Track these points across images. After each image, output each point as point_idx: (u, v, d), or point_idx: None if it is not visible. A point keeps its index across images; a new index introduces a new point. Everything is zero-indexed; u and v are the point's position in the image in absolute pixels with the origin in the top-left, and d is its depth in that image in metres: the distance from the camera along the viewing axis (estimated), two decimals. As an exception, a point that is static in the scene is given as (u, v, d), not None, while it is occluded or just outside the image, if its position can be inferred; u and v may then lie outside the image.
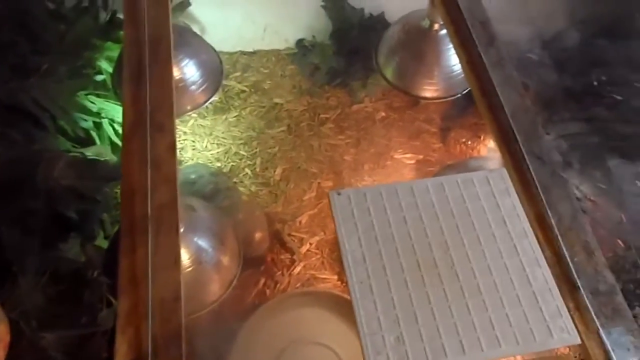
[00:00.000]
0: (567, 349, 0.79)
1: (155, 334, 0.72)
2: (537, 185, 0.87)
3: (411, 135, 1.69)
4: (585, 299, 0.77)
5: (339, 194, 0.88)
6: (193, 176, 1.48)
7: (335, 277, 1.43)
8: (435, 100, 1.39)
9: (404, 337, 0.75)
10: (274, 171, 1.61)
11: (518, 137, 0.91)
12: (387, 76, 1.38)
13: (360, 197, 0.88)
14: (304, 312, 1.29)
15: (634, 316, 0.77)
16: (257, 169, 1.62)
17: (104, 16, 1.50)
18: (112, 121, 1.43)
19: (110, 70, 1.44)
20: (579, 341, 0.75)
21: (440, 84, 1.34)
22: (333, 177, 1.61)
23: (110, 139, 1.43)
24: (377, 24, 1.72)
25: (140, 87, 0.95)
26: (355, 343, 0.75)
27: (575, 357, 0.76)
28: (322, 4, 1.72)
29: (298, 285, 1.42)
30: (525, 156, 0.89)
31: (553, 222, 0.84)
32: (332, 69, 1.76)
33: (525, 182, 0.88)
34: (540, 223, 0.85)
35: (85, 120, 1.39)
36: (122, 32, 1.08)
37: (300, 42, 1.83)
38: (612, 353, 0.72)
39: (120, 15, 1.28)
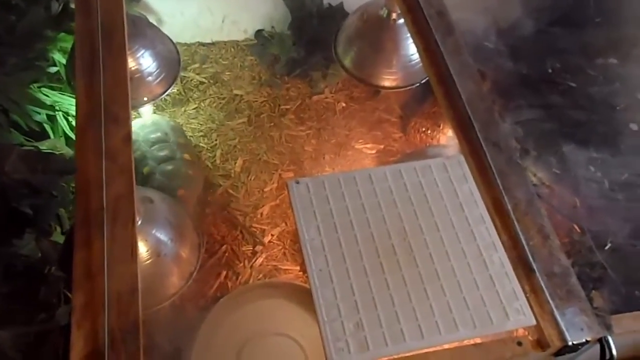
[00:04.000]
0: (524, 330, 0.81)
1: (112, 327, 0.71)
2: (494, 171, 0.88)
3: (372, 125, 1.70)
4: (540, 281, 0.78)
5: (297, 182, 0.88)
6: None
7: (298, 267, 1.43)
8: (394, 90, 1.40)
9: (363, 323, 0.75)
10: (235, 163, 1.60)
11: (475, 124, 0.92)
12: (346, 66, 1.38)
13: (319, 186, 0.88)
14: (266, 304, 1.29)
15: (588, 297, 0.79)
16: (217, 161, 1.60)
17: (56, 6, 1.46)
18: (66, 114, 1.39)
19: (64, 61, 1.41)
20: (534, 322, 0.76)
21: (399, 73, 1.34)
22: (294, 168, 1.60)
23: (64, 132, 1.39)
24: (336, 13, 1.72)
25: (94, 78, 0.93)
26: (318, 333, 0.76)
27: (532, 337, 0.77)
28: (281, -6, 1.71)
29: (260, 276, 1.42)
30: (482, 143, 0.91)
31: (509, 207, 0.85)
32: (291, 60, 1.75)
33: (482, 168, 0.89)
34: (497, 208, 0.86)
35: (39, 113, 1.35)
36: (74, 23, 1.06)
37: (259, 33, 1.82)
38: (566, 333, 0.74)
39: (73, 5, 1.25)
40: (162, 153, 1.48)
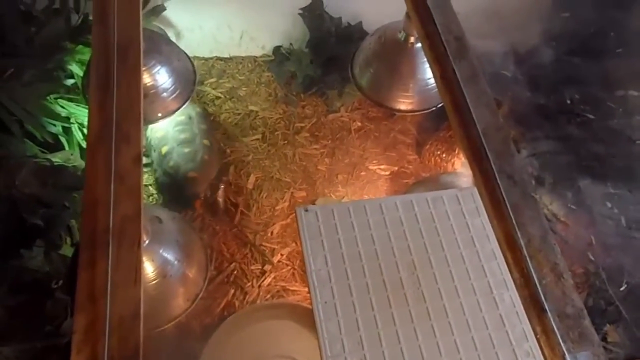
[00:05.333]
0: (533, 372, 0.78)
1: (112, 353, 0.70)
2: (507, 205, 0.86)
3: (386, 147, 1.68)
4: (552, 322, 0.76)
5: (306, 210, 0.87)
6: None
7: (306, 289, 1.41)
8: (409, 114, 1.38)
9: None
10: (247, 179, 1.59)
11: (489, 155, 0.90)
12: (362, 87, 1.37)
13: (328, 214, 0.87)
14: (273, 324, 1.27)
15: (603, 334, 0.77)
16: (231, 177, 1.59)
17: (75, 18, 1.47)
18: (81, 126, 1.40)
19: (81, 74, 1.41)
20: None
21: (415, 97, 1.33)
22: (306, 187, 1.59)
23: (79, 144, 1.40)
24: (354, 33, 1.71)
25: (107, 95, 0.93)
26: None
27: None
28: (300, 11, 1.70)
29: (268, 296, 1.40)
30: (496, 175, 0.88)
31: (522, 243, 0.82)
32: (308, 77, 1.74)
33: (496, 201, 0.87)
34: (510, 244, 0.84)
35: (54, 125, 1.36)
36: (91, 36, 1.06)
37: (277, 50, 1.82)
38: (577, 378, 0.72)
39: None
40: (183, 135, 1.53)
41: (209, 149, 1.55)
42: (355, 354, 0.74)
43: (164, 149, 1.51)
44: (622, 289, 1.14)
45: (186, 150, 1.51)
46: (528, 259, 0.81)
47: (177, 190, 1.50)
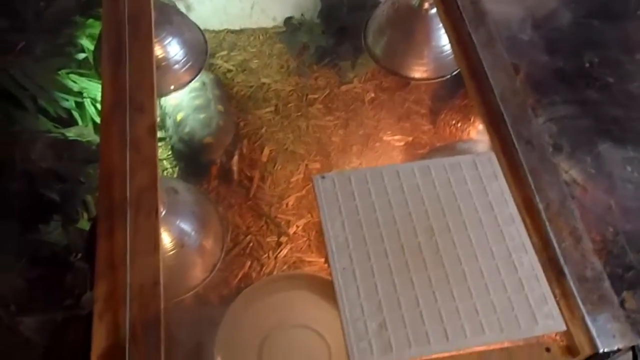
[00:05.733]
0: (553, 335, 0.78)
1: (133, 319, 0.71)
2: (526, 169, 0.85)
3: (401, 117, 1.67)
4: (572, 285, 0.76)
5: (323, 177, 0.86)
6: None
7: (322, 259, 1.42)
8: (425, 81, 1.37)
9: (387, 323, 0.74)
10: (261, 152, 1.59)
11: (507, 120, 0.90)
12: (376, 56, 1.36)
13: (345, 181, 0.86)
14: (289, 295, 1.28)
15: (620, 301, 0.76)
16: (244, 150, 1.59)
17: (85, -8, 1.47)
18: (94, 101, 1.40)
19: (92, 48, 1.41)
20: (564, 328, 0.74)
21: (430, 65, 1.31)
22: (321, 159, 1.58)
23: (92, 119, 1.40)
24: (366, 2, 1.68)
25: (120, 67, 0.92)
26: (341, 327, 0.74)
27: (561, 343, 0.75)
28: (311, -19, 1.69)
29: (284, 268, 1.41)
30: (514, 140, 0.88)
31: (541, 207, 0.82)
32: (320, 48, 1.73)
33: (514, 166, 0.87)
34: (528, 208, 0.83)
35: (67, 100, 1.36)
36: (102, 9, 1.05)
37: (288, 21, 1.80)
38: (597, 340, 0.72)
39: (102, -9, 1.25)
40: (197, 102, 1.53)
41: (224, 114, 1.56)
42: (374, 317, 0.74)
43: (179, 116, 1.52)
44: (641, 251, 1.14)
45: (201, 116, 1.51)
46: (547, 223, 0.81)
47: (193, 156, 1.52)
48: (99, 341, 0.69)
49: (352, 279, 0.78)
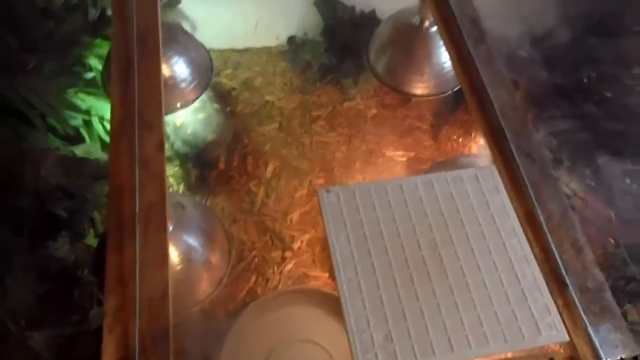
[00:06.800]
0: (556, 346, 0.79)
1: (142, 332, 0.71)
2: (527, 182, 0.86)
3: (403, 133, 1.69)
4: (574, 296, 0.77)
5: (327, 191, 0.88)
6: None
7: (327, 274, 1.43)
8: (426, 98, 1.39)
9: (393, 335, 0.75)
10: (265, 168, 1.61)
11: (507, 134, 0.91)
12: (378, 73, 1.38)
13: (349, 195, 0.88)
14: (294, 310, 1.29)
15: (623, 313, 0.77)
16: (249, 167, 1.61)
17: (93, 13, 1.49)
18: (102, 119, 1.42)
19: (100, 67, 1.43)
20: (567, 338, 0.75)
21: (431, 81, 1.33)
22: (324, 174, 1.60)
23: (100, 136, 1.42)
24: (368, 21, 1.72)
25: (129, 85, 0.94)
26: (346, 341, 0.75)
27: (564, 353, 0.76)
28: (314, 0, 1.71)
29: (289, 282, 1.42)
30: (515, 153, 0.89)
31: (542, 219, 0.83)
32: (323, 66, 1.75)
33: (515, 179, 0.88)
34: (530, 220, 0.85)
35: (75, 118, 1.38)
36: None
37: (291, 39, 1.83)
38: (600, 350, 0.72)
39: (110, 12, 1.28)
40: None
41: (221, 112, 1.62)
42: (380, 329, 0.75)
43: (178, 121, 1.56)
44: (642, 262, 1.15)
45: (200, 116, 1.55)
46: (548, 234, 0.82)
47: (199, 155, 1.56)
48: (109, 354, 0.70)
49: (358, 291, 0.79)
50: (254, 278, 1.42)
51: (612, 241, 1.19)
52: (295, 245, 1.48)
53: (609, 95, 1.42)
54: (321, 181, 1.59)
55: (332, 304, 1.27)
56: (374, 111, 1.73)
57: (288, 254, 1.47)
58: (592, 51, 1.48)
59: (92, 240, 1.26)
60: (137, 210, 0.81)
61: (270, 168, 1.61)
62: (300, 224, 1.52)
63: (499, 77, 0.98)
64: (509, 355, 0.80)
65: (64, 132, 1.35)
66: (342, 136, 1.68)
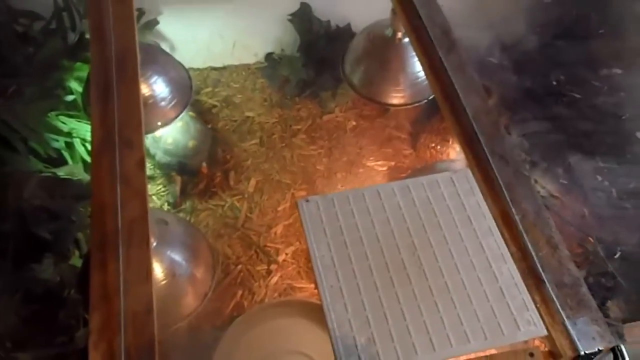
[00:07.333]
0: (536, 341, 0.81)
1: (128, 348, 0.72)
2: (501, 183, 0.88)
3: (382, 143, 1.72)
4: (551, 291, 0.78)
5: (307, 201, 0.90)
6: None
7: (312, 285, 1.44)
8: (402, 107, 1.41)
9: (375, 337, 0.76)
10: (248, 183, 1.62)
11: (481, 138, 0.93)
12: (354, 85, 1.40)
13: (328, 203, 0.90)
14: (281, 322, 1.29)
15: (604, 308, 0.79)
16: (231, 182, 1.63)
17: (72, 37, 1.51)
18: (83, 140, 1.43)
19: (80, 90, 1.44)
20: (545, 333, 0.76)
21: (406, 91, 1.36)
22: (306, 187, 1.62)
23: (82, 158, 1.43)
24: (343, 34, 1.74)
25: (108, 105, 0.95)
26: (333, 349, 0.77)
27: (544, 348, 0.78)
28: (289, 17, 1.74)
29: (275, 295, 1.43)
30: (489, 156, 0.91)
31: (517, 218, 0.85)
32: (301, 81, 1.78)
33: (489, 181, 0.90)
34: (505, 220, 0.86)
35: (57, 140, 1.39)
36: (89, 52, 1.09)
37: (269, 56, 1.85)
38: (578, 343, 0.74)
39: (89, 36, 1.29)
40: None
41: (202, 129, 1.63)
42: (362, 332, 0.77)
43: (162, 137, 1.57)
44: (616, 256, 1.17)
45: (178, 124, 1.56)
46: (524, 233, 0.84)
47: (181, 162, 1.58)
48: (95, 370, 0.70)
49: (340, 296, 0.80)
50: (240, 292, 1.43)
51: (587, 238, 1.22)
52: (280, 258, 1.49)
53: (578, 96, 1.46)
54: (303, 193, 1.61)
55: (319, 314, 1.26)
56: (353, 123, 1.76)
57: (273, 266, 1.48)
58: (560, 55, 1.52)
59: (77, 261, 1.26)
60: (119, 227, 0.82)
61: (252, 183, 1.63)
62: (284, 237, 1.53)
63: (471, 83, 1.00)
64: (490, 352, 0.81)
65: (46, 155, 1.35)
66: (323, 149, 1.71)
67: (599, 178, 1.30)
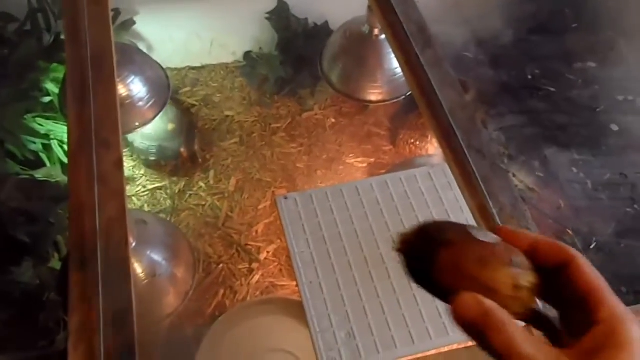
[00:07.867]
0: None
1: (108, 348, 0.72)
2: (478, 177, 0.89)
3: (362, 140, 1.72)
4: (528, 282, 0.79)
5: (285, 198, 0.90)
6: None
7: (294, 283, 1.44)
8: (381, 104, 1.42)
9: (355, 332, 0.77)
10: (228, 182, 1.62)
11: (457, 132, 0.94)
12: (332, 83, 1.41)
13: (307, 200, 0.90)
14: (264, 321, 1.29)
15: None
16: (211, 182, 1.62)
17: (47, 38, 1.49)
18: (61, 142, 1.42)
19: (57, 91, 1.43)
20: (522, 325, 0.77)
21: (384, 87, 1.37)
22: (287, 185, 1.62)
23: (60, 160, 1.42)
24: (321, 32, 1.75)
25: (85, 106, 0.95)
26: (313, 344, 0.77)
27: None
28: (267, 15, 1.74)
29: (257, 293, 1.43)
30: (465, 150, 0.92)
31: (494, 211, 0.86)
32: (280, 79, 1.78)
33: (466, 175, 0.91)
34: (482, 213, 0.87)
35: (34, 142, 1.38)
36: (65, 53, 1.08)
37: (247, 55, 1.85)
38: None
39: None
40: None
41: (181, 129, 1.64)
42: (342, 327, 0.77)
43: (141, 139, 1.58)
44: (592, 247, 1.19)
45: (160, 134, 1.57)
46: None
47: (161, 145, 1.59)
48: (75, 372, 0.70)
49: (319, 292, 0.81)
50: (221, 291, 1.43)
51: (563, 229, 1.24)
52: (262, 257, 1.49)
53: (552, 90, 1.48)
54: (284, 192, 1.61)
55: (301, 312, 1.27)
56: (333, 120, 1.76)
57: (255, 265, 1.48)
58: (535, 49, 1.54)
59: (56, 264, 1.25)
60: (97, 227, 0.82)
61: (233, 182, 1.62)
62: (265, 235, 1.53)
63: (447, 78, 1.01)
64: (469, 344, 0.82)
65: (23, 157, 1.34)
66: (303, 146, 1.71)
67: (575, 170, 1.32)
